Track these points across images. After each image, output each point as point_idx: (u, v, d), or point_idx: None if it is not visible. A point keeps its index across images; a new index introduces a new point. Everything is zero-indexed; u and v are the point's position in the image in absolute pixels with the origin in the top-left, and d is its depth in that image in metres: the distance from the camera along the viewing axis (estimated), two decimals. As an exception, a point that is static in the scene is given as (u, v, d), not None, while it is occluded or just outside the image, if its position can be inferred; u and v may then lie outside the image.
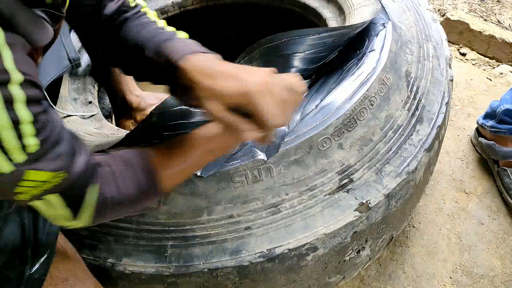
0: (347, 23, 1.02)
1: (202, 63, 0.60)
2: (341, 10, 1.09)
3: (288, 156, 0.80)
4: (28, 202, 0.54)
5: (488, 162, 1.42)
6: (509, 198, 1.31)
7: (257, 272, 0.80)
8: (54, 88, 0.98)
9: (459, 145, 1.49)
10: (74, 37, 1.00)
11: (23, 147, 0.47)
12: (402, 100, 0.91)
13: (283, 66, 0.86)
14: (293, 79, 0.62)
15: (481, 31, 1.83)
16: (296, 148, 0.81)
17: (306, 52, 0.87)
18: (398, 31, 0.97)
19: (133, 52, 0.69)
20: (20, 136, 0.47)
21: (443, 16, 1.96)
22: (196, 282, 0.81)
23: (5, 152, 0.46)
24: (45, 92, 0.53)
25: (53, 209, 0.56)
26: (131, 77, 1.17)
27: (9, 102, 0.45)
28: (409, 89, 0.93)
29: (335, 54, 0.93)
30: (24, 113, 0.46)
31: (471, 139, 1.50)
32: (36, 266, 0.69)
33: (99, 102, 1.16)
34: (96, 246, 0.83)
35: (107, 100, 1.25)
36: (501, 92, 1.64)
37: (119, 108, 1.20)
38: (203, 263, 0.79)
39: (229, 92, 0.57)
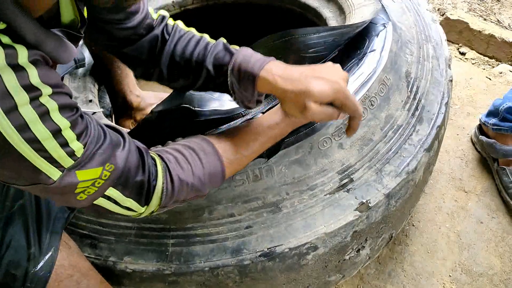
0: (347, 23, 1.02)
1: (281, 71, 0.66)
2: (341, 10, 1.09)
3: (288, 155, 0.81)
4: (91, 202, 0.57)
5: (487, 161, 1.42)
6: (507, 197, 1.31)
7: (258, 271, 0.80)
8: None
9: (458, 144, 1.50)
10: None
11: (69, 153, 0.49)
12: (402, 100, 0.92)
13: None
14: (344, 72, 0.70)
15: (481, 30, 1.83)
16: (297, 148, 0.81)
17: (307, 51, 0.88)
18: (398, 32, 0.98)
19: (188, 68, 0.74)
20: (63, 144, 0.49)
21: (442, 15, 1.96)
22: (197, 280, 0.81)
23: (54, 161, 0.49)
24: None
25: (119, 202, 0.59)
26: (132, 77, 1.17)
27: (44, 114, 0.47)
28: (409, 90, 0.94)
29: (335, 53, 0.93)
30: (60, 120, 0.48)
31: (471, 137, 1.50)
32: (41, 263, 0.70)
33: (99, 101, 1.16)
34: (98, 245, 0.83)
35: (107, 99, 1.25)
36: (500, 91, 1.65)
37: (119, 108, 1.20)
38: (204, 262, 0.79)
39: (324, 92, 0.63)
